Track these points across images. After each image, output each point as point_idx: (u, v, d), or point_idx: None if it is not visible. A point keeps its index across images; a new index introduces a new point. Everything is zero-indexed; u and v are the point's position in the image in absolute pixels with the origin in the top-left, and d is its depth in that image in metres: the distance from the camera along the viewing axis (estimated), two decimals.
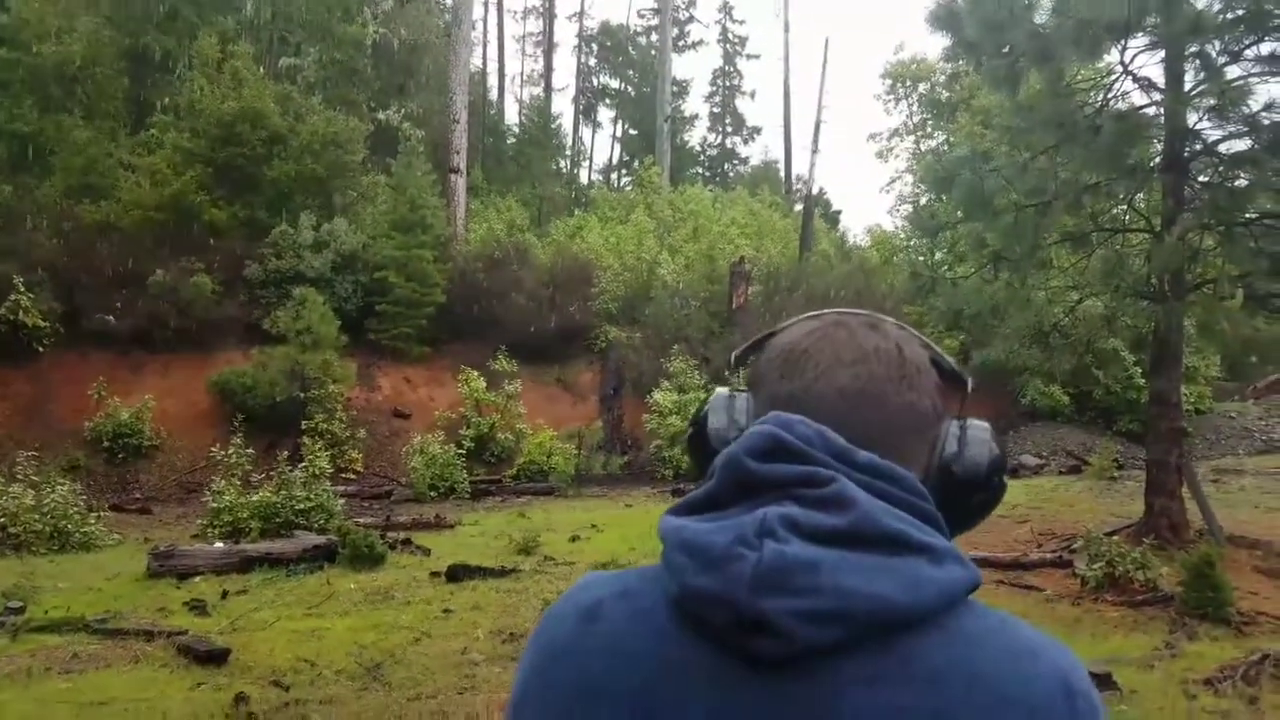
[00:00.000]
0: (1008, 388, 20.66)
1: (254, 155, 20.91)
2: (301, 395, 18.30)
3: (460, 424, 18.66)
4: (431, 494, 16.16)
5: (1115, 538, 9.10)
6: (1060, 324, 10.26)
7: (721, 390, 0.88)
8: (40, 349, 17.70)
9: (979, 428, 0.83)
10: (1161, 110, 9.51)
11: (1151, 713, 4.80)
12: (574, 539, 10.94)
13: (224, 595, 8.30)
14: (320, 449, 14.57)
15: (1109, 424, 20.76)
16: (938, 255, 24.87)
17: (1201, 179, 9.76)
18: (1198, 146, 9.46)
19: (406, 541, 10.48)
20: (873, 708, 0.67)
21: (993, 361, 11.08)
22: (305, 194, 21.60)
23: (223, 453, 13.45)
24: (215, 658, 6.24)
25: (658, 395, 19.15)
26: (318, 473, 12.84)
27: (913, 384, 0.80)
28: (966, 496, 0.82)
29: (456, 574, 8.56)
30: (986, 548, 9.54)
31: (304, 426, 17.45)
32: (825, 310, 0.89)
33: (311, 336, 18.57)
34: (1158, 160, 9.73)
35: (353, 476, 17.51)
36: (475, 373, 19.06)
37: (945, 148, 30.67)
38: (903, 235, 28.98)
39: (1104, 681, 5.27)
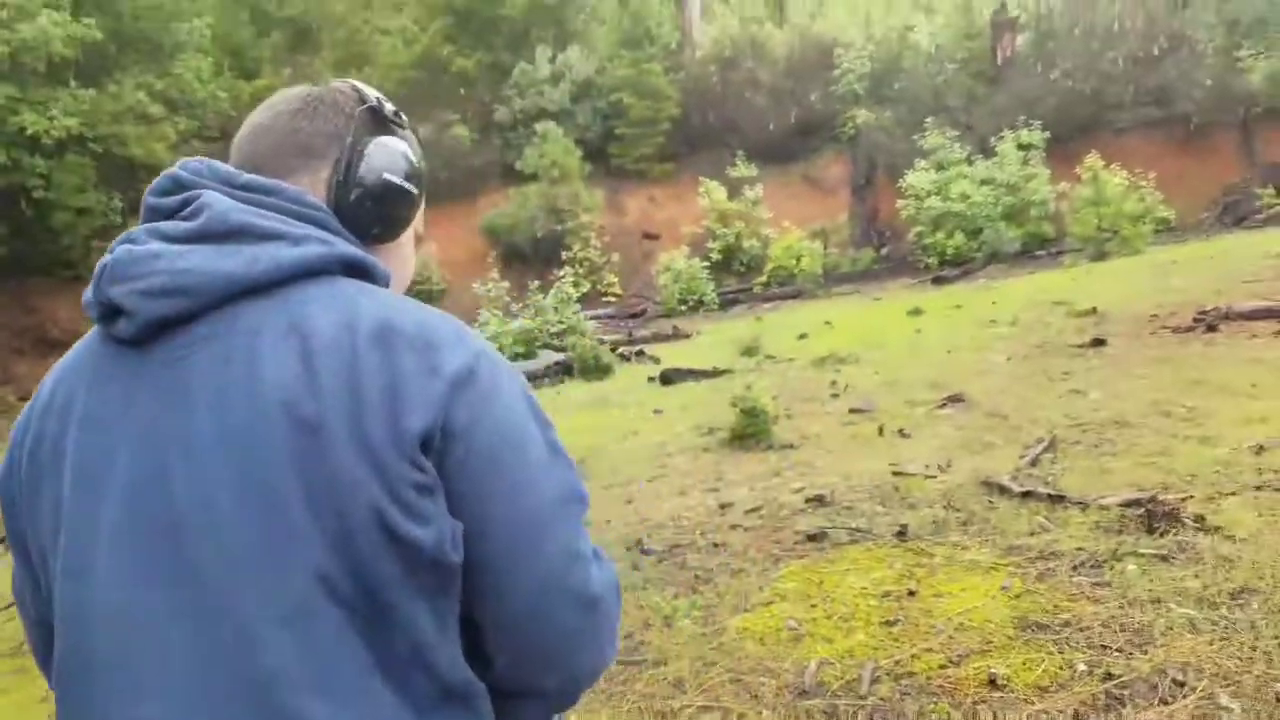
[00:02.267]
0: None
1: None
2: (559, 228, 19.24)
3: (706, 237, 18.61)
4: (681, 308, 16.49)
5: None
6: None
7: None
8: None
9: (380, 144, 0.94)
10: None
11: None
12: (801, 337, 10.66)
13: None
14: (575, 276, 15.31)
15: None
16: None
17: None
18: None
19: (640, 353, 10.85)
20: (209, 357, 0.80)
21: None
22: (539, 26, 21.86)
23: (484, 288, 14.64)
24: None
25: (912, 177, 17.68)
26: (565, 298, 13.55)
27: (311, 116, 0.94)
28: (349, 199, 0.92)
29: (669, 377, 8.75)
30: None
31: (564, 257, 18.44)
32: None
33: (559, 170, 19.25)
34: None
35: (612, 299, 18.34)
36: (714, 183, 18.72)
37: None
38: None
39: None
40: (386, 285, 0.91)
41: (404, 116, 0.99)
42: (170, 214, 0.85)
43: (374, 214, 0.94)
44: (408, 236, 1.02)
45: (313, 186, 0.92)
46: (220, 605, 0.77)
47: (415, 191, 0.96)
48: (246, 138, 0.95)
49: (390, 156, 0.94)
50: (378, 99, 0.97)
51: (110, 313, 0.82)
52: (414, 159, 0.97)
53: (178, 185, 0.87)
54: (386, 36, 22.58)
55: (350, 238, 0.90)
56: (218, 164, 0.89)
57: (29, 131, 13.85)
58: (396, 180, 0.94)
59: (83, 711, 0.83)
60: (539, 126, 19.83)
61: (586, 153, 20.01)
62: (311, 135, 0.93)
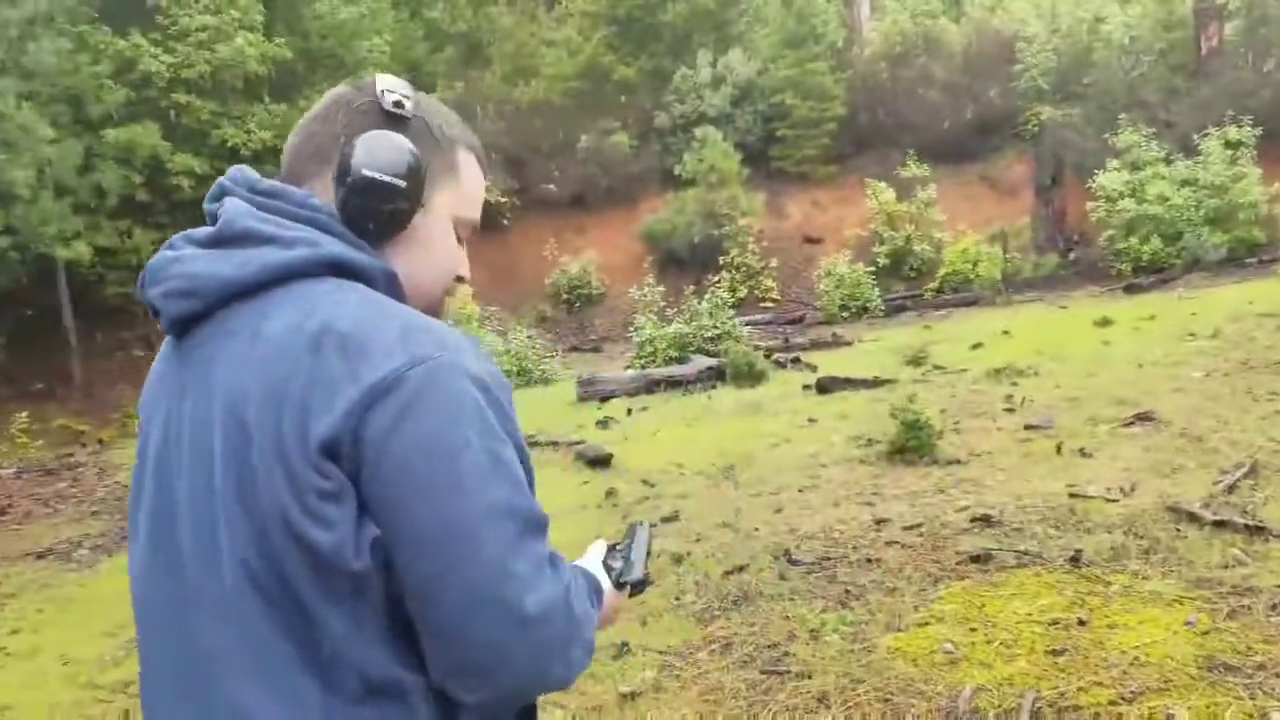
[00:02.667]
0: None
1: (649, 3, 21.70)
2: (716, 233, 19.24)
3: (872, 241, 18.06)
4: (843, 315, 16.05)
5: None
6: None
7: None
8: (505, 221, 20.96)
9: (365, 139, 0.91)
10: None
11: None
12: (975, 347, 10.12)
13: (629, 412, 9.31)
14: (729, 282, 15.19)
15: None
16: None
17: None
18: None
19: (795, 360, 10.64)
20: (204, 357, 0.89)
21: None
22: (700, 31, 21.98)
23: (640, 292, 14.85)
24: (602, 462, 7.12)
25: (1103, 178, 16.46)
26: (720, 303, 13.52)
27: (325, 119, 0.96)
28: (340, 197, 0.91)
29: (826, 386, 8.52)
30: None
31: (721, 262, 18.40)
32: None
33: (717, 175, 19.25)
34: None
35: (770, 305, 18.12)
36: (883, 184, 18.12)
37: None
38: None
39: None
40: (387, 284, 0.90)
41: (407, 105, 0.94)
42: (216, 216, 0.92)
43: (360, 210, 0.91)
44: (433, 229, 0.98)
45: (324, 189, 0.93)
46: (188, 593, 0.85)
47: (401, 185, 0.90)
48: (285, 147, 1.00)
49: (372, 151, 0.90)
50: (382, 91, 0.94)
51: (155, 312, 0.92)
52: (408, 151, 0.91)
53: (221, 192, 0.94)
54: (551, 48, 23.32)
55: (352, 238, 0.90)
56: (250, 172, 0.95)
57: (229, 144, 15.21)
58: (376, 175, 0.89)
59: (144, 706, 0.93)
60: (698, 131, 19.90)
61: (746, 156, 19.87)
62: (324, 138, 0.95)
